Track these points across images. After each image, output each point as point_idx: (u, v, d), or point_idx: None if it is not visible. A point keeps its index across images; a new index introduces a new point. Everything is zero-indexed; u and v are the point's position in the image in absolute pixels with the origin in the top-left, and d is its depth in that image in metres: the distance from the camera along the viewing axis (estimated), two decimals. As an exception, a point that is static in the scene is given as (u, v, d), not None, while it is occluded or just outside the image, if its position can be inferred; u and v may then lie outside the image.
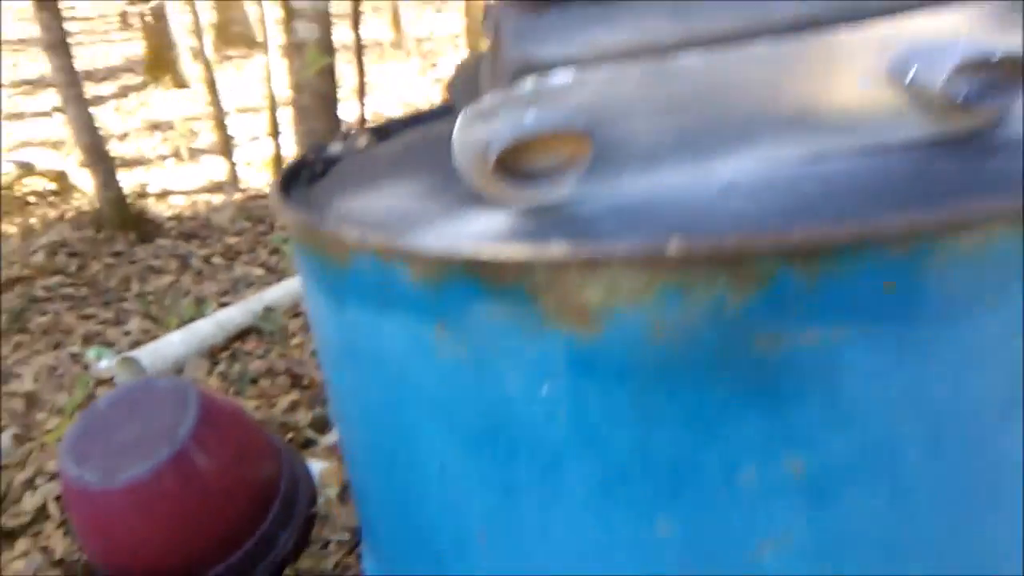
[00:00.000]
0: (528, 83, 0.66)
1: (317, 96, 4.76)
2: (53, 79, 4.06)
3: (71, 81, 3.95)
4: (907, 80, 0.68)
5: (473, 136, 0.68)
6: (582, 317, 0.61)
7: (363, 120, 5.26)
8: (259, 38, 7.83)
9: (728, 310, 0.58)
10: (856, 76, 0.68)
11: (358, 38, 5.05)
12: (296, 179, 0.95)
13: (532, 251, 0.61)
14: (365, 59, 5.19)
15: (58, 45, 3.87)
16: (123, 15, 9.28)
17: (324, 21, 4.66)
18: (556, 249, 0.60)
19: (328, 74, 4.74)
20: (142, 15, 7.37)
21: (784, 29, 0.69)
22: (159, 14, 7.50)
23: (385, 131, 1.16)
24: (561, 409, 0.64)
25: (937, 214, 0.55)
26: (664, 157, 0.70)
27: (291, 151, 5.19)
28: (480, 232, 0.69)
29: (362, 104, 5.20)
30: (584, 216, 0.69)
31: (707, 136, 0.69)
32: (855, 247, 0.55)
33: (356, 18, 5.02)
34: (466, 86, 1.07)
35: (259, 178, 5.94)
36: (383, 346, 0.72)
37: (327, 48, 4.70)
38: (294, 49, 4.67)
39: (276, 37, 5.78)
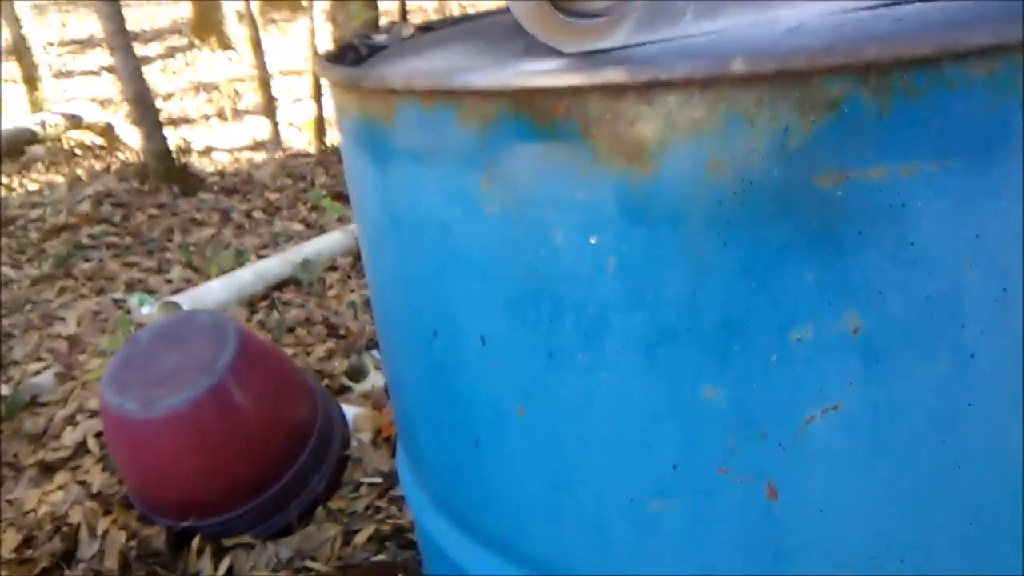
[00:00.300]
0: None
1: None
2: (102, 28, 4.09)
3: (119, 29, 3.98)
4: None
5: None
6: (636, 155, 0.57)
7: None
8: (304, 1, 7.83)
9: (792, 141, 0.53)
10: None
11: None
12: (341, 60, 0.92)
13: (585, 76, 0.56)
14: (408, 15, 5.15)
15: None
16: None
17: (370, -19, 4.65)
18: (611, 73, 0.55)
19: (372, 26, 4.73)
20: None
21: None
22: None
23: (430, 27, 1.13)
24: (609, 261, 0.59)
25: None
26: (732, 4, 0.65)
27: (333, 113, 5.22)
28: (532, 72, 0.64)
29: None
30: (643, 58, 0.64)
31: None
32: (935, 64, 0.50)
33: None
34: None
35: (300, 138, 5.97)
36: (426, 206, 0.69)
37: (373, 15, 4.69)
38: (339, 5, 4.66)
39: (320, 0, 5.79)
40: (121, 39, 3.92)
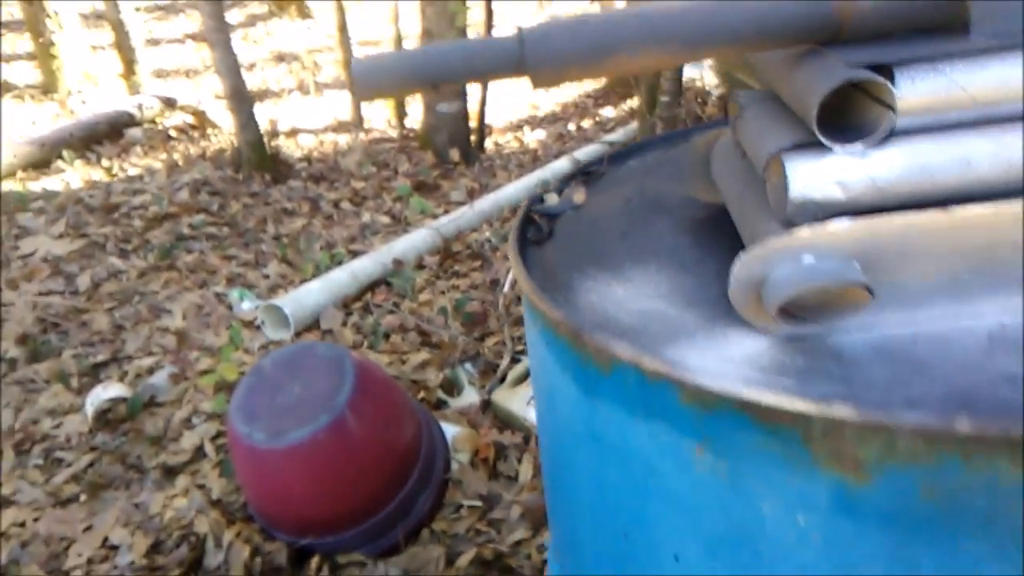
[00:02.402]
0: (809, 228, 0.69)
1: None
2: (203, 22, 4.22)
3: (219, 27, 4.10)
4: None
5: (752, 274, 0.71)
6: (853, 467, 0.64)
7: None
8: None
9: (1003, 483, 0.60)
10: None
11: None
12: (525, 241, 0.99)
13: (813, 407, 0.63)
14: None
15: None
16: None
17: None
18: (839, 409, 0.62)
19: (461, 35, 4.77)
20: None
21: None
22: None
23: (594, 176, 1.18)
24: (815, 537, 0.67)
25: None
26: (931, 298, 0.72)
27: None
28: (746, 360, 0.72)
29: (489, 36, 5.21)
30: (850, 354, 0.71)
31: (977, 283, 0.70)
32: None
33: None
34: (695, 162, 1.08)
35: (381, 116, 6.06)
36: (634, 444, 0.76)
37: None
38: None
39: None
40: (221, 35, 4.05)
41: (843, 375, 0.67)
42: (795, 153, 0.71)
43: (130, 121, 5.17)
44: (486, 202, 4.03)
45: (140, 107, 5.25)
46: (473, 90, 5.07)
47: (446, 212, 4.06)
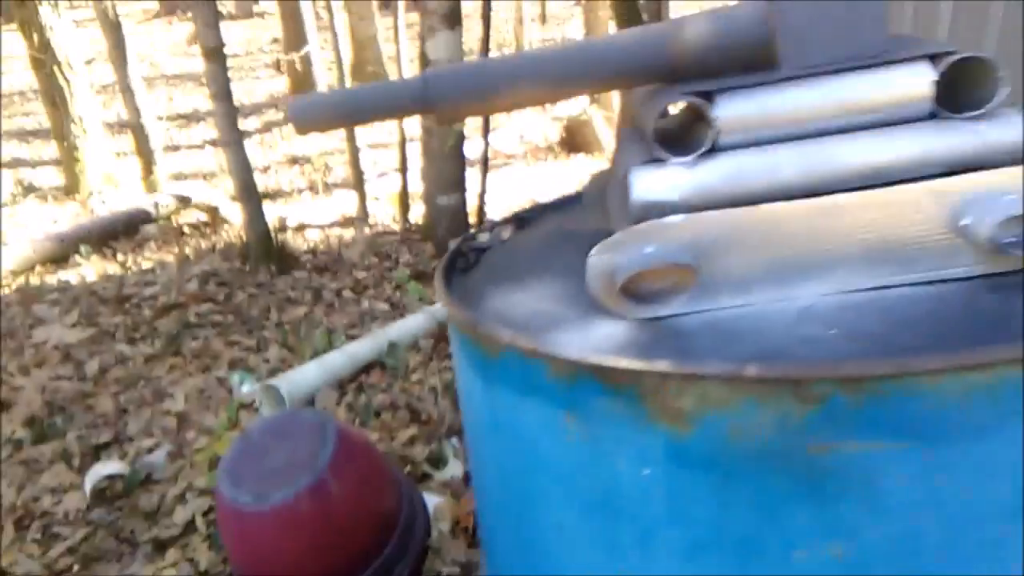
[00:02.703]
0: (647, 224, 0.83)
1: (446, 141, 5.06)
2: (217, 125, 4.51)
3: (231, 126, 4.39)
4: (961, 227, 0.80)
5: (603, 264, 0.85)
6: (678, 418, 0.77)
7: (486, 158, 5.53)
8: (392, 76, 8.30)
9: (791, 422, 0.72)
10: (919, 222, 0.81)
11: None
12: (453, 269, 1.14)
13: (642, 364, 0.77)
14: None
15: (223, 95, 4.31)
16: (276, 62, 10.01)
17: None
18: (660, 364, 0.76)
19: (458, 143, 5.06)
20: (291, 62, 7.95)
21: (859, 183, 0.82)
22: (307, 60, 8.07)
23: (524, 221, 1.34)
24: (658, 488, 0.80)
25: (955, 357, 0.68)
26: (754, 284, 0.85)
27: (417, 188, 5.53)
28: (604, 339, 0.85)
29: (486, 142, 5.48)
30: (687, 330, 0.84)
31: (791, 269, 0.83)
32: (892, 380, 0.69)
33: (486, 48, 5.30)
34: (594, 198, 1.23)
35: (386, 211, 6.31)
36: (522, 423, 0.90)
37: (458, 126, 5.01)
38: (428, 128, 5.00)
39: (407, 71, 6.18)
40: (233, 135, 4.32)
41: (678, 346, 0.80)
42: (640, 168, 0.85)
43: (146, 218, 5.42)
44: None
45: (156, 205, 5.51)
46: (473, 183, 5.32)
47: (443, 298, 4.21)
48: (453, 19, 4.81)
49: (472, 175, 5.42)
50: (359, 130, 7.02)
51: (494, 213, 6.14)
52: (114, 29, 5.81)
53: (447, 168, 5.16)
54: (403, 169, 5.91)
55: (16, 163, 7.97)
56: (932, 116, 0.83)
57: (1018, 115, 0.81)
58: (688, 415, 0.76)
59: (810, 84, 0.83)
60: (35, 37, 5.92)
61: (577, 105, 8.84)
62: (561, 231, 1.23)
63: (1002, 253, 0.80)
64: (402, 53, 6.72)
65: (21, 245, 5.00)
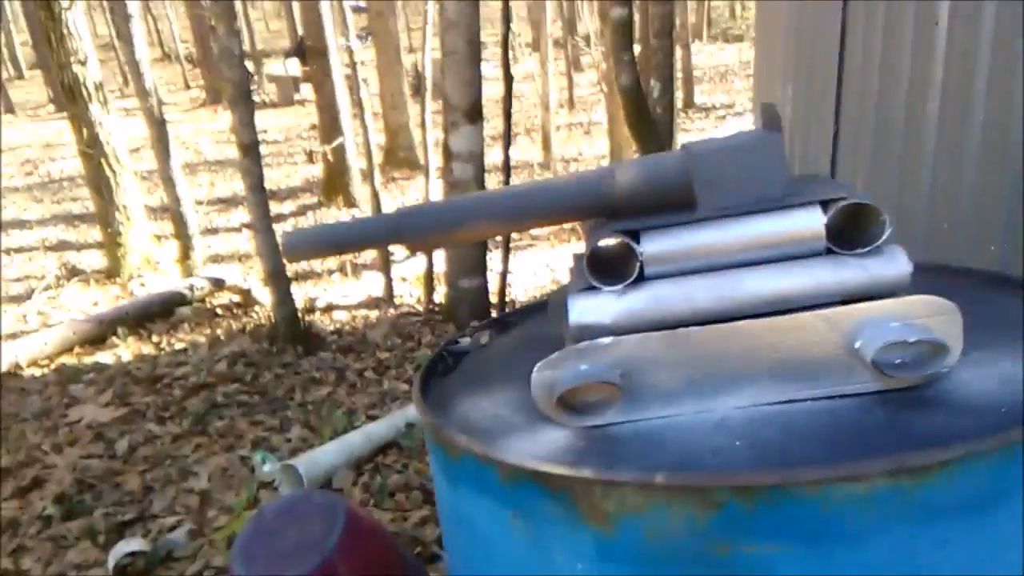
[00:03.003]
0: (582, 344, 0.96)
1: (466, 227, 5.28)
2: (250, 212, 4.77)
3: (263, 215, 4.64)
4: (854, 349, 0.92)
5: (543, 379, 0.98)
6: (604, 520, 0.88)
7: (508, 242, 5.73)
8: (421, 160, 8.62)
9: (697, 525, 0.84)
10: (817, 344, 0.94)
11: (507, 158, 5.57)
12: (433, 372, 1.29)
13: (571, 471, 0.89)
14: (514, 177, 5.68)
15: (256, 186, 4.58)
16: (309, 153, 10.45)
17: (478, 162, 5.22)
18: (585, 471, 0.88)
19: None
20: (324, 153, 8.32)
21: (765, 309, 0.95)
22: (340, 149, 8.44)
23: (505, 324, 1.48)
24: None
25: (832, 469, 0.80)
26: (677, 397, 0.97)
27: (441, 269, 5.72)
28: (547, 445, 0.98)
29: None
30: (619, 438, 0.97)
31: (707, 385, 0.96)
32: (779, 488, 0.80)
33: (507, 137, 5.55)
34: (557, 309, 1.38)
35: (411, 293, 6.51)
36: (478, 519, 1.02)
37: (479, 186, 5.24)
38: (450, 187, 5.24)
39: (435, 160, 6.46)
40: (264, 223, 4.57)
41: (610, 452, 0.92)
42: (577, 294, 0.99)
43: (181, 300, 5.67)
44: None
45: (191, 288, 5.77)
46: (497, 264, 5.50)
47: (461, 380, 4.33)
48: (474, 114, 5.08)
49: (497, 257, 5.62)
50: (388, 210, 7.29)
51: (518, 293, 6.31)
52: (158, 124, 6.19)
53: (469, 252, 5.36)
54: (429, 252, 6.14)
55: (62, 246, 8.37)
56: (828, 251, 0.96)
57: (902, 252, 0.94)
58: (611, 517, 0.87)
59: (721, 224, 0.97)
60: (84, 132, 6.32)
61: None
62: (533, 336, 1.37)
63: (888, 374, 0.91)
64: (429, 141, 7.06)
65: (61, 327, 5.26)
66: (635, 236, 0.99)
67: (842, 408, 0.93)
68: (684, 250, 0.98)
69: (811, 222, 0.95)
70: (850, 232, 0.98)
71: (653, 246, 0.98)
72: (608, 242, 0.99)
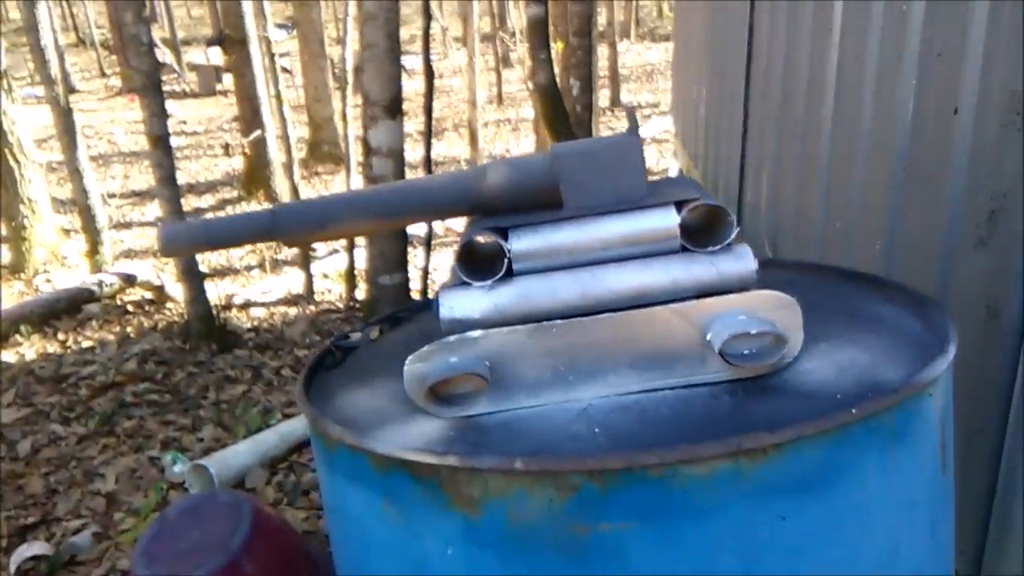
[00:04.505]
0: (451, 338, 1.00)
1: (386, 223, 5.26)
2: (162, 207, 4.66)
3: (175, 210, 4.54)
4: (706, 341, 0.98)
5: (415, 371, 1.01)
6: (470, 504, 0.92)
7: (430, 236, 5.74)
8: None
9: (555, 507, 0.89)
10: (672, 336, 0.99)
11: (428, 155, 5.56)
12: (320, 366, 1.30)
13: (436, 459, 0.92)
14: (441, 173, 5.66)
15: (167, 180, 4.48)
16: (226, 147, 10.22)
17: (398, 157, 5.21)
18: (450, 459, 0.92)
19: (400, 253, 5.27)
20: (242, 146, 8.16)
21: (625, 303, 1.01)
22: (260, 142, 8.28)
23: (399, 320, 1.51)
24: (459, 565, 0.95)
25: (672, 452, 0.85)
26: (543, 388, 1.02)
27: (363, 266, 5.69)
28: (418, 435, 1.01)
29: (429, 224, 5.69)
30: (487, 427, 1.01)
31: (572, 376, 1.01)
32: (626, 471, 0.85)
33: (428, 135, 5.55)
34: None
35: (333, 290, 6.45)
36: (353, 507, 1.05)
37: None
38: (369, 182, 5.21)
39: (356, 154, 6.40)
40: (177, 218, 4.47)
41: (476, 441, 0.96)
42: (449, 290, 1.03)
43: (89, 297, 5.50)
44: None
45: (100, 284, 5.60)
46: (418, 259, 5.51)
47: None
48: (394, 109, 5.06)
49: (419, 253, 5.62)
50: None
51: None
52: (64, 114, 5.98)
53: (389, 248, 5.34)
54: (350, 247, 6.08)
55: (-35, 240, 8.02)
56: (683, 249, 1.02)
57: (748, 251, 1.00)
58: (476, 502, 0.91)
59: (584, 223, 1.02)
60: (-14, 120, 6.07)
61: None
62: (424, 331, 1.39)
63: (735, 364, 0.98)
64: (350, 135, 7.00)
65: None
66: (504, 234, 1.03)
67: (694, 396, 0.99)
68: (549, 247, 1.02)
69: (666, 222, 1.01)
70: (705, 232, 1.04)
71: (520, 243, 1.02)
72: (479, 239, 1.02)
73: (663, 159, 10.75)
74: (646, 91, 16.19)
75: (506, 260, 1.02)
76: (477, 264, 1.05)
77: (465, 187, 1.05)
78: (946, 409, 1.06)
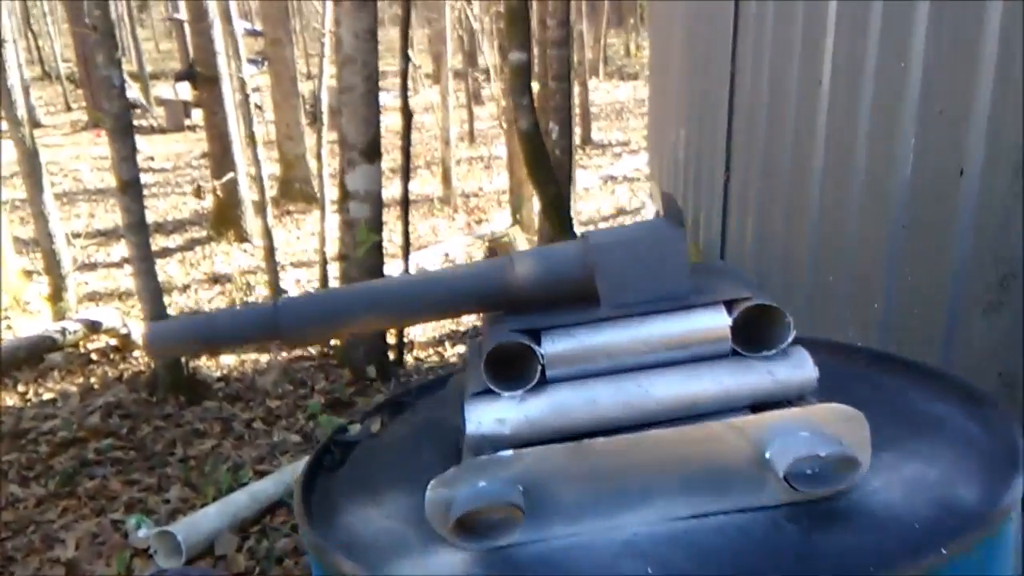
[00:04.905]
0: (479, 459, 0.87)
1: (364, 268, 5.12)
2: (130, 253, 4.49)
3: (144, 256, 4.37)
4: (764, 461, 0.87)
5: (439, 499, 0.89)
6: None
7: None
8: (318, 194, 8.37)
9: None
10: (726, 455, 0.88)
11: (405, 197, 5.44)
12: (319, 467, 1.17)
13: None
14: (414, 212, 5.55)
15: (136, 226, 4.31)
16: (197, 188, 10.03)
17: (375, 201, 5.09)
18: None
19: (375, 248, 5.13)
20: (214, 188, 8.00)
21: (670, 415, 0.89)
22: (229, 185, 8.12)
23: (398, 407, 1.38)
24: None
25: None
26: (583, 514, 0.90)
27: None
28: (441, 570, 0.88)
29: (406, 263, 5.56)
30: (521, 562, 0.88)
31: (615, 500, 0.89)
32: None
33: (406, 178, 5.43)
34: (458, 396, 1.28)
35: (306, 335, 6.27)
36: None
37: (376, 226, 5.11)
38: (346, 226, 5.08)
39: (331, 193, 6.26)
40: (145, 265, 4.31)
41: None
42: (474, 399, 0.90)
43: (52, 346, 5.27)
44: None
45: (63, 331, 5.37)
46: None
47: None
48: (372, 153, 4.96)
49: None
50: (281, 246, 7.05)
51: (417, 335, 6.17)
52: (30, 156, 5.78)
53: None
54: (324, 287, 5.93)
55: (-80, 282, 7.70)
56: (733, 352, 0.92)
57: (807, 356, 0.90)
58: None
59: (625, 324, 0.91)
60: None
61: (501, 226, 9.09)
62: (429, 421, 1.27)
63: (799, 488, 0.86)
64: (325, 174, 6.88)
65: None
66: (536, 336, 0.91)
67: (752, 524, 0.88)
68: (587, 351, 0.91)
69: (716, 323, 0.90)
70: (753, 331, 0.93)
71: (555, 347, 0.91)
72: (506, 341, 0.91)
73: (635, 198, 10.77)
74: (616, 129, 16.30)
75: (539, 367, 0.90)
76: (502, 368, 0.93)
77: (489, 280, 0.94)
78: (1019, 519, 0.96)
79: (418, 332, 6.20)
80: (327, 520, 1.02)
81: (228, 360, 5.60)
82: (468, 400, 0.91)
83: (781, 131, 3.60)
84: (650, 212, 7.76)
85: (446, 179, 10.97)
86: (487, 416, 0.90)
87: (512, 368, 0.94)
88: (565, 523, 0.89)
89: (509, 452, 0.87)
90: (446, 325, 6.70)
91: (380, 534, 0.97)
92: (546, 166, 4.79)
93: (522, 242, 8.15)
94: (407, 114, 5.32)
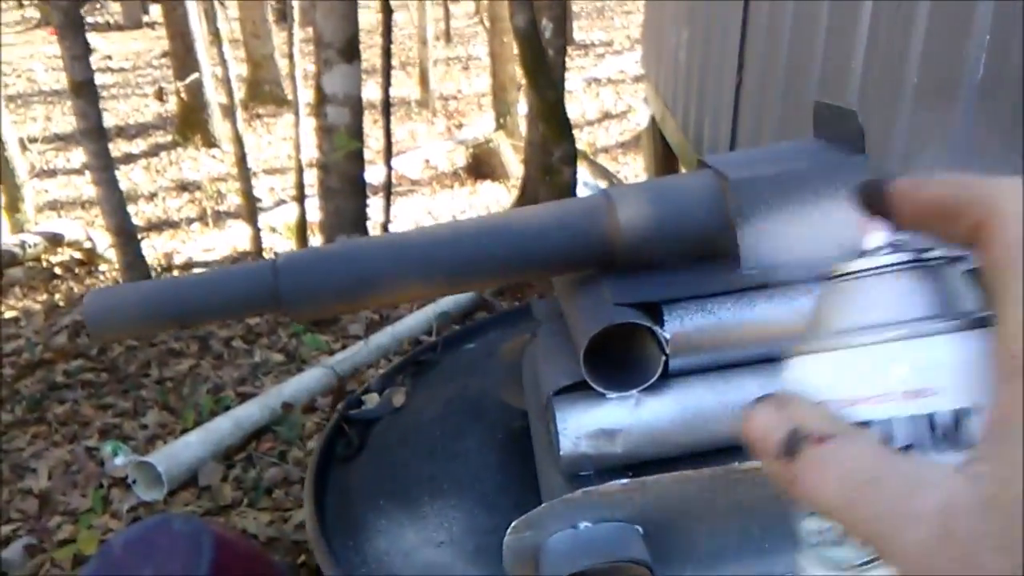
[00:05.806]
0: (579, 493, 0.62)
1: (344, 177, 4.81)
2: (88, 162, 4.13)
3: (104, 165, 4.02)
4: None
5: (523, 546, 0.64)
6: None
7: (389, 186, 5.30)
8: (289, 96, 7.91)
9: None
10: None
11: (387, 100, 5.08)
12: (330, 459, 0.92)
13: None
14: (391, 116, 5.21)
15: (94, 131, 3.94)
16: (159, 91, 9.43)
17: (355, 105, 4.73)
18: None
19: (356, 156, 4.80)
20: (177, 90, 7.50)
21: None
22: (193, 87, 7.62)
23: (422, 366, 1.13)
24: None
25: None
26: (725, 558, 0.67)
27: (316, 217, 5.19)
28: None
29: (388, 168, 5.24)
30: None
31: (769, 538, 0.66)
32: None
33: (387, 78, 5.06)
34: (509, 371, 1.01)
35: (283, 245, 5.98)
36: None
37: (356, 133, 4.76)
38: (324, 132, 4.73)
39: (304, 96, 5.87)
40: (106, 174, 3.96)
41: None
42: (566, 399, 0.65)
43: (11, 261, 4.94)
44: (384, 335, 3.93)
45: (23, 245, 5.03)
46: (376, 213, 5.09)
47: (344, 348, 3.95)
48: (351, 52, 4.57)
49: (377, 206, 5.20)
50: (252, 152, 6.66)
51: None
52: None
53: (346, 204, 4.90)
54: (300, 198, 5.60)
55: None
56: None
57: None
58: None
59: (777, 296, 0.65)
60: None
61: (483, 131, 8.70)
62: (466, 398, 1.02)
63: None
64: (297, 74, 6.44)
65: None
66: (655, 312, 0.65)
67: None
68: (729, 334, 0.65)
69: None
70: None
71: (683, 327, 0.65)
72: (616, 322, 0.64)
73: (620, 101, 10.38)
74: (598, 28, 15.68)
75: (663, 358, 0.64)
76: (601, 356, 0.67)
77: (578, 230, 0.67)
78: None
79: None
80: (350, 544, 0.78)
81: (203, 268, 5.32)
82: (557, 401, 0.66)
83: (810, 23, 3.28)
84: (644, 118, 7.42)
85: (423, 81, 10.47)
86: (587, 426, 0.65)
87: (614, 355, 0.68)
88: (699, 569, 0.66)
89: (625, 480, 0.63)
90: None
91: (422, 569, 0.72)
92: (545, 69, 4.45)
93: (507, 148, 7.80)
94: (388, 9, 4.90)
